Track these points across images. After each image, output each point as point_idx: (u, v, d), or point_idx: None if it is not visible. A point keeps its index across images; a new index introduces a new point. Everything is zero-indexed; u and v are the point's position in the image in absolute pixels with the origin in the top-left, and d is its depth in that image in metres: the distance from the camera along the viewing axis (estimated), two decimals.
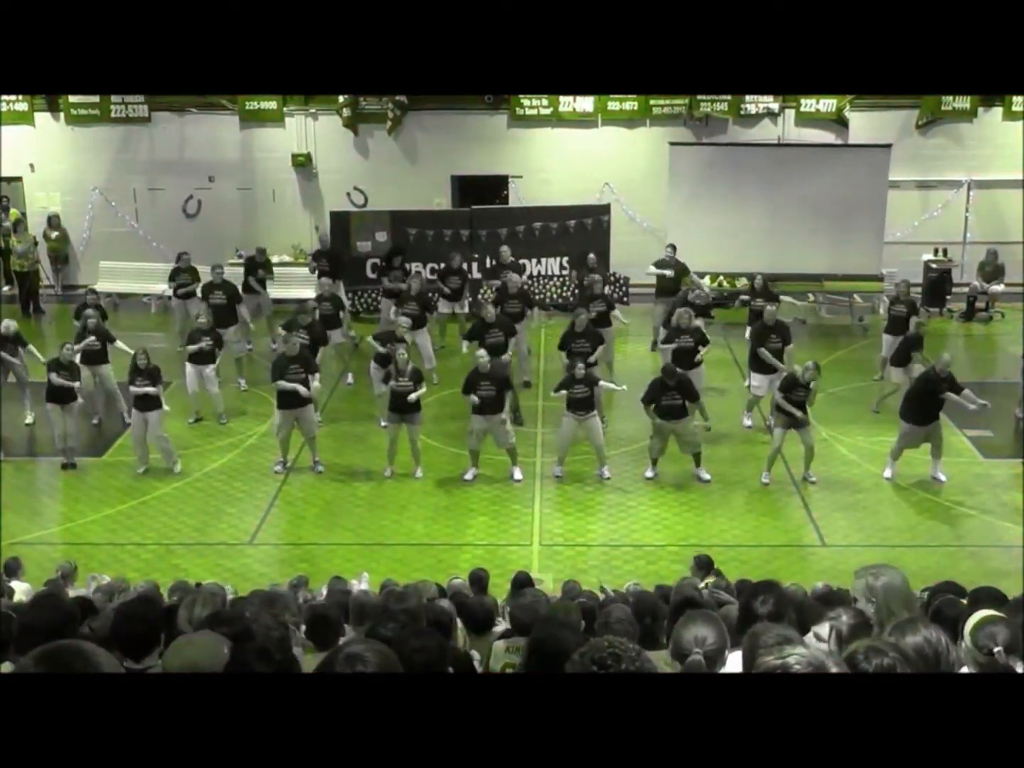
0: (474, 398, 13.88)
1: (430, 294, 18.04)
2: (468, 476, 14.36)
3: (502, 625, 7.59)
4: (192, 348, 15.49)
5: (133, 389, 14.22)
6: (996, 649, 4.22)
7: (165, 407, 14.40)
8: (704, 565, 10.40)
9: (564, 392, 14.02)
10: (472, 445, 14.34)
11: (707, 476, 14.23)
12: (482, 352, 14.29)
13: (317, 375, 14.47)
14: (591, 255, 19.00)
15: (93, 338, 15.46)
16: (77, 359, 14.86)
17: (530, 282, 19.99)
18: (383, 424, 14.94)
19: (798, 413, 13.54)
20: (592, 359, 14.86)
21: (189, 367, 15.67)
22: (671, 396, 13.86)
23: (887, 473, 14.21)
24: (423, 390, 14.09)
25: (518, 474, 14.34)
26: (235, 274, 18.78)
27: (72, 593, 9.16)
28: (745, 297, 17.81)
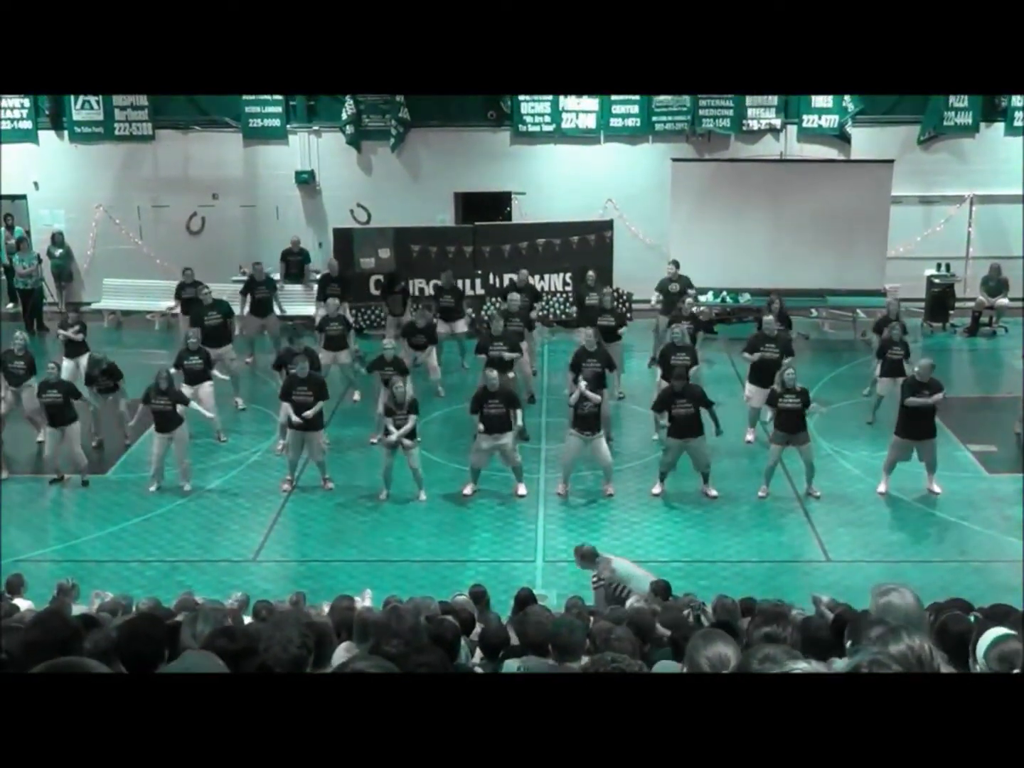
0: (480, 425, 13.85)
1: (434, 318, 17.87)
2: (467, 491, 14.34)
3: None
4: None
5: (155, 404, 14.23)
6: (1015, 672, 4.15)
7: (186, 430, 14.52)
8: (661, 592, 10.15)
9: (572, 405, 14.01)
10: (476, 464, 14.31)
11: (714, 492, 14.21)
12: (493, 374, 14.19)
13: (320, 403, 14.35)
14: (590, 272, 18.95)
15: (105, 378, 15.57)
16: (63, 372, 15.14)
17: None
18: (373, 440, 15.20)
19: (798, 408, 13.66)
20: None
21: (184, 388, 15.43)
22: (682, 404, 13.81)
23: (881, 488, 14.18)
24: (410, 425, 13.90)
25: (522, 490, 14.32)
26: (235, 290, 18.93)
27: (74, 610, 9.13)
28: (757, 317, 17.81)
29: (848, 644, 4.48)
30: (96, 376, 15.64)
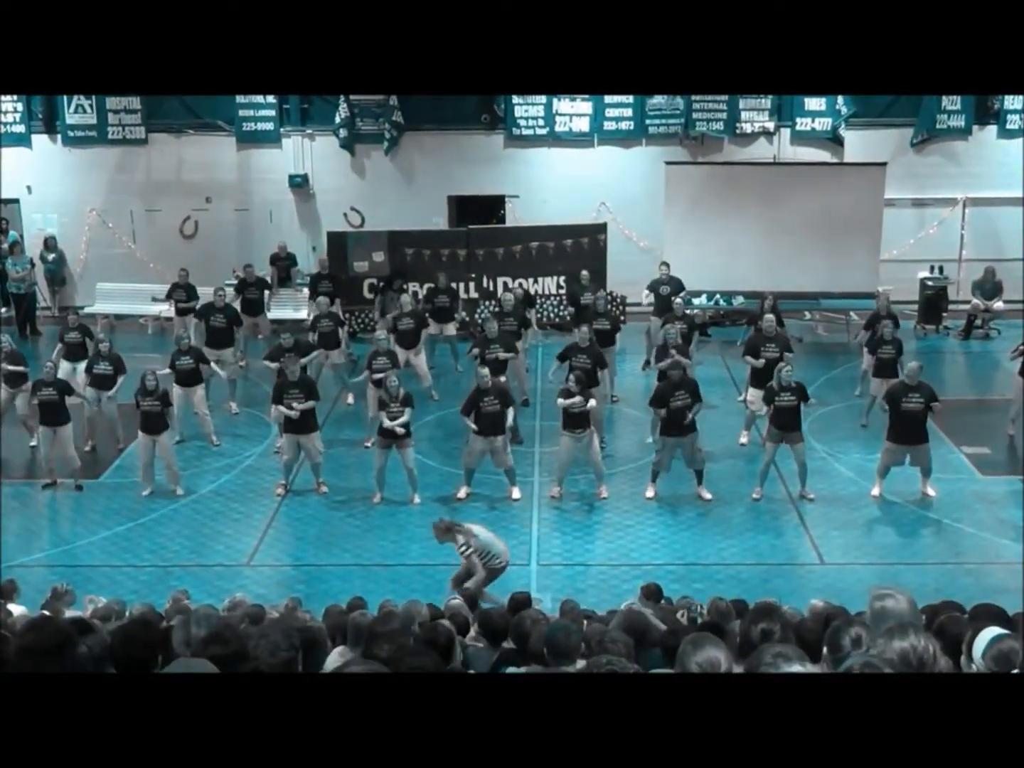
0: (472, 426, 13.87)
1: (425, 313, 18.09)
2: (460, 494, 14.34)
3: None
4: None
5: (144, 406, 14.20)
6: (1015, 671, 4.15)
7: (174, 428, 14.44)
8: (652, 595, 10.11)
9: (562, 402, 13.98)
10: (469, 465, 14.32)
11: (708, 495, 14.22)
12: (484, 371, 14.24)
13: (311, 402, 14.36)
14: (584, 272, 19.01)
15: (107, 364, 15.50)
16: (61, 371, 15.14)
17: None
18: (367, 444, 15.12)
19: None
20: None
21: (176, 388, 15.47)
22: (681, 396, 13.84)
23: (875, 491, 14.19)
24: (405, 418, 13.87)
25: (516, 494, 14.33)
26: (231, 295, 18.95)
27: (68, 615, 9.09)
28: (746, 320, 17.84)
29: (824, 650, 4.47)
30: (95, 358, 15.63)
